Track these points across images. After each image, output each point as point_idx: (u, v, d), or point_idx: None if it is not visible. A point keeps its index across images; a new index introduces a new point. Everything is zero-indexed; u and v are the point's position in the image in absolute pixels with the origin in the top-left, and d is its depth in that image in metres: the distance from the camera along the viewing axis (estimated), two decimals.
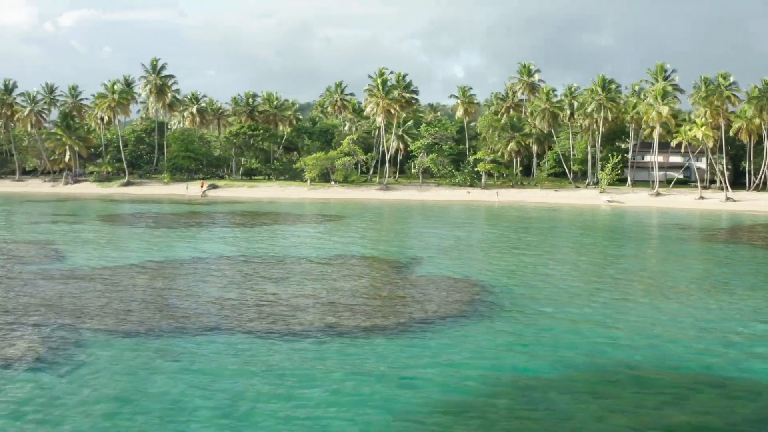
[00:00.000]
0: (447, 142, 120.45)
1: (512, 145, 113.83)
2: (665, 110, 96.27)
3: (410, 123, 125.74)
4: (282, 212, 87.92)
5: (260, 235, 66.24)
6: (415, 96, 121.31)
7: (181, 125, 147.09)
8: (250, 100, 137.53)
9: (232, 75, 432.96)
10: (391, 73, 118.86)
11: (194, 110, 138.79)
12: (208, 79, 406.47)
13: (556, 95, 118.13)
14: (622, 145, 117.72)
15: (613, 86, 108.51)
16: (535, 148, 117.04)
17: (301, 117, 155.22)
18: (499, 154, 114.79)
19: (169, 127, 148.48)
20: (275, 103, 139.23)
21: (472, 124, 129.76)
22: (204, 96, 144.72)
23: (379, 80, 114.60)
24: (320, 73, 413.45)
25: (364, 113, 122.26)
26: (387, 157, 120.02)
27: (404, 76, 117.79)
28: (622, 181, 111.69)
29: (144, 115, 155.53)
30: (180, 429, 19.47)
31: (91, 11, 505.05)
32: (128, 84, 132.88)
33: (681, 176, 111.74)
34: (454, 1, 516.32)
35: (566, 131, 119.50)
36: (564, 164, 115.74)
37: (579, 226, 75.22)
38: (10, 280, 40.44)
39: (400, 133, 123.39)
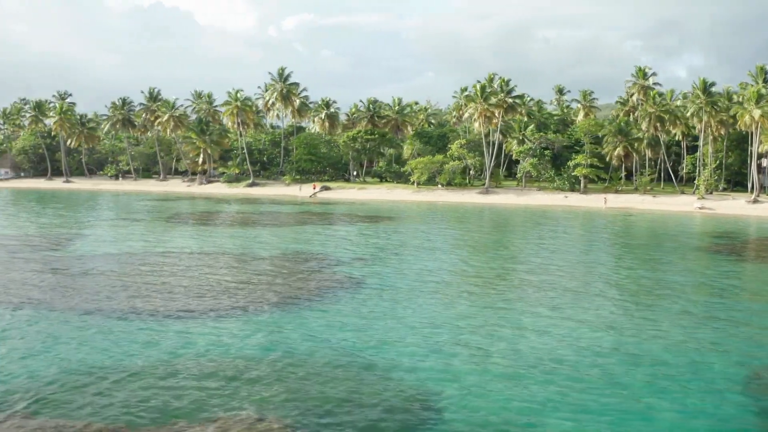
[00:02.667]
0: (553, 147, 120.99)
1: (619, 149, 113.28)
2: (757, 113, 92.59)
3: (532, 127, 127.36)
4: (357, 213, 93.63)
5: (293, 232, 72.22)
6: (518, 101, 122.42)
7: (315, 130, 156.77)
8: (371, 105, 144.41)
9: (450, 77, 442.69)
10: (498, 77, 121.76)
11: (323, 115, 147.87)
12: (427, 81, 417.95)
13: (674, 98, 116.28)
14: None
15: (714, 89, 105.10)
16: (648, 152, 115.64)
17: (433, 121, 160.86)
18: (608, 158, 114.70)
19: (309, 131, 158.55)
20: (396, 108, 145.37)
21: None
22: (334, 102, 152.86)
23: (478, 86, 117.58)
24: (539, 75, 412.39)
25: (463, 118, 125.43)
26: (489, 161, 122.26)
27: (507, 82, 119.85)
28: (741, 186, 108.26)
29: (294, 121, 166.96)
30: None
31: (311, 15, 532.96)
32: (267, 90, 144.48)
33: None
34: None
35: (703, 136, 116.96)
36: (669, 169, 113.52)
37: (607, 232, 75.16)
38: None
39: (521, 137, 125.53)
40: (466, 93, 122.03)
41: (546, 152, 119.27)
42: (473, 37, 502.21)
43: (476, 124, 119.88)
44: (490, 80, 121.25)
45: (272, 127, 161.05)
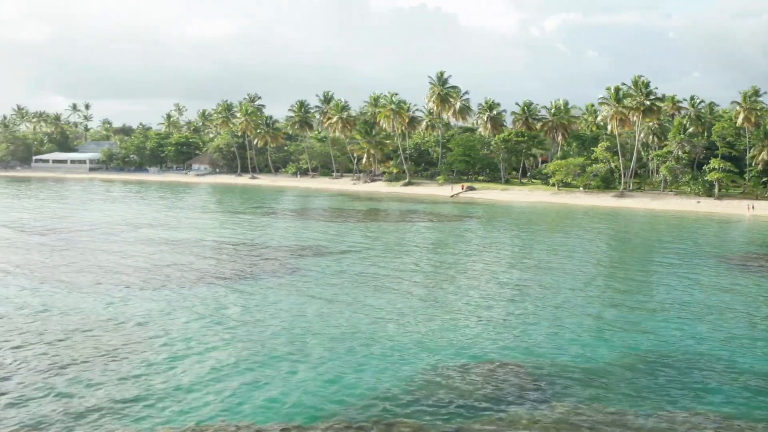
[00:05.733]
0: (695, 150, 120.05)
1: (764, 154, 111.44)
2: None
3: (691, 130, 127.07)
4: (452, 213, 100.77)
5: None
6: (657, 103, 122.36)
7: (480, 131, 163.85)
8: (525, 108, 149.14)
9: (717, 77, 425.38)
10: (642, 79, 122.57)
11: (485, 117, 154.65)
12: (692, 81, 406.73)
13: None
14: None
15: None
16: None
17: (602, 123, 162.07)
18: (753, 162, 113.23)
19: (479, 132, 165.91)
20: (553, 111, 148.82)
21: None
22: (497, 104, 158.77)
23: (612, 88, 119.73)
24: None
25: (598, 119, 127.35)
26: (631, 164, 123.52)
27: (647, 84, 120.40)
28: None
29: (458, 122, 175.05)
30: None
31: (574, 15, 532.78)
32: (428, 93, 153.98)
33: None
34: None
35: None
36: None
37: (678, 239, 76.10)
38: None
39: (678, 140, 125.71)
40: (601, 97, 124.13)
41: (684, 156, 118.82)
42: (742, 36, 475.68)
43: (609, 127, 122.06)
44: (635, 83, 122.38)
45: (445, 127, 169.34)
